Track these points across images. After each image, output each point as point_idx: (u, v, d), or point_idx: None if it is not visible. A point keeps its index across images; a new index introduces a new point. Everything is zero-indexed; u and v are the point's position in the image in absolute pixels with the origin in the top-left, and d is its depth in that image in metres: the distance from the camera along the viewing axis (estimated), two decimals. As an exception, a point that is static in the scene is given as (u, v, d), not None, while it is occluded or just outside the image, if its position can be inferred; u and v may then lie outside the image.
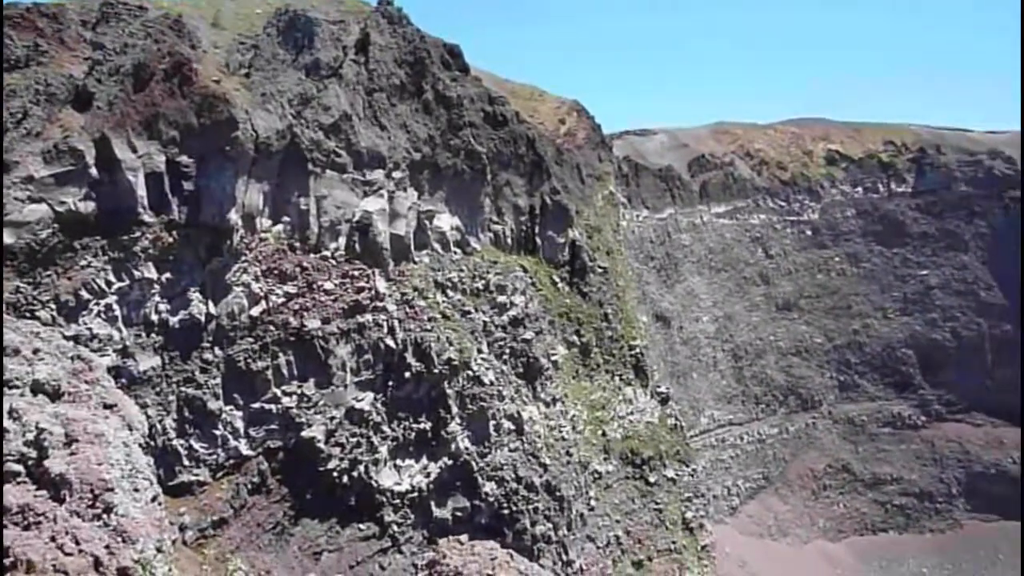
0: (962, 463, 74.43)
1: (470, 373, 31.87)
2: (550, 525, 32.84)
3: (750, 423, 70.17)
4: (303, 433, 27.32)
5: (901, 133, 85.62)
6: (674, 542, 37.67)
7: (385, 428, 29.33)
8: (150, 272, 24.95)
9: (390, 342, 29.87)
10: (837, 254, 78.89)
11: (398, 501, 29.14)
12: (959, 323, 78.21)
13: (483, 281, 34.76)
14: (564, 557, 33.19)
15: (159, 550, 11.40)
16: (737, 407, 69.81)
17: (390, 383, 29.88)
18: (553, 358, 36.65)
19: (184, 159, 25.75)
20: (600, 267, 41.41)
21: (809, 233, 78.43)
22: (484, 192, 36.51)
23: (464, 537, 13.75)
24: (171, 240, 25.27)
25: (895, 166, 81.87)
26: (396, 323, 30.23)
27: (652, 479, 38.60)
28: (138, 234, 24.67)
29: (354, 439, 28.34)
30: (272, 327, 27.23)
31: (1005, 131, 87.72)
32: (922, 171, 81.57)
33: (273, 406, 27.06)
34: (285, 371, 27.45)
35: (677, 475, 40.07)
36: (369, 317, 29.54)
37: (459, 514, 30.56)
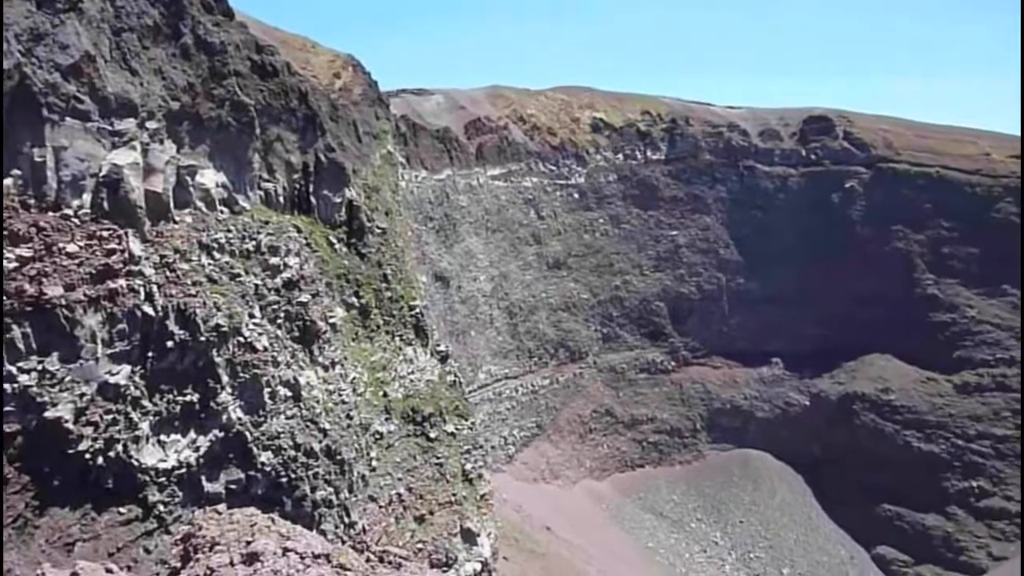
0: (704, 401, 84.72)
1: (241, 339, 30.25)
2: (331, 489, 32.49)
3: (524, 376, 74.15)
4: (47, 413, 24.36)
5: (656, 105, 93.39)
6: (455, 494, 38.91)
7: (146, 403, 27.03)
8: None
9: (148, 309, 27.40)
10: (601, 216, 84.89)
11: (163, 479, 27.15)
12: (702, 278, 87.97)
13: (254, 242, 32.94)
14: (346, 520, 33.06)
15: None
16: (512, 361, 73.29)
17: (150, 354, 27.49)
18: (331, 321, 35.86)
19: None
20: (379, 228, 40.97)
21: (576, 196, 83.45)
22: (253, 147, 34.36)
23: (222, 506, 13.04)
24: None
25: (651, 135, 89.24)
26: (155, 288, 27.75)
27: (433, 435, 39.47)
28: None
29: (109, 416, 25.81)
30: (3, 296, 23.87)
31: (741, 107, 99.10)
32: (673, 140, 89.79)
33: (8, 385, 23.78)
34: (21, 345, 24.18)
35: (457, 429, 41.31)
36: (122, 282, 26.82)
37: (233, 487, 29.17)
